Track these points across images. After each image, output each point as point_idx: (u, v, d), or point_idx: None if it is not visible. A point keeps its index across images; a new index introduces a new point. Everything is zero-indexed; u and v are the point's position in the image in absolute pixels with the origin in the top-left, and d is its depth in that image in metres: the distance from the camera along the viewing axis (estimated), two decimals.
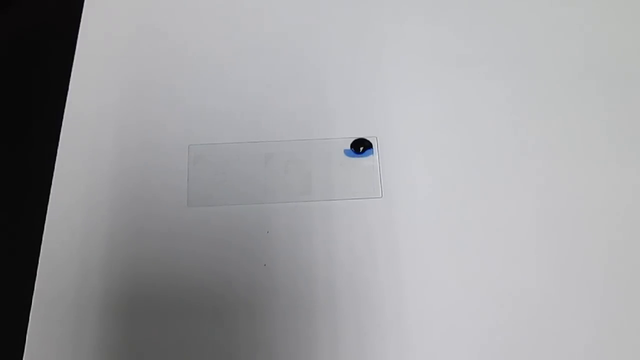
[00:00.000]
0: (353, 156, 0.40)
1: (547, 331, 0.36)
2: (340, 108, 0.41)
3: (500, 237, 0.38)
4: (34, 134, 0.43)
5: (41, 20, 0.48)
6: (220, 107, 0.41)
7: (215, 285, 0.37)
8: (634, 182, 0.39)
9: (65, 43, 0.43)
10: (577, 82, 0.42)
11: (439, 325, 0.36)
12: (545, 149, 0.40)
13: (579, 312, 0.36)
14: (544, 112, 0.41)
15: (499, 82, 0.42)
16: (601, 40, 0.44)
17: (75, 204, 0.38)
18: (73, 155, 0.40)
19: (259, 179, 0.39)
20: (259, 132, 0.41)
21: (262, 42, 0.43)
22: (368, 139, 0.40)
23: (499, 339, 0.36)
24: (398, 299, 0.36)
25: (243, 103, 0.41)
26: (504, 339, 0.36)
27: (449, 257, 0.37)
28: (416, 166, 0.40)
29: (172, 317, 0.36)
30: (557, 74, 0.42)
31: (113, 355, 0.35)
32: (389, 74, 0.42)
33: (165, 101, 0.41)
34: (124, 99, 0.41)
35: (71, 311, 0.36)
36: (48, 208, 0.38)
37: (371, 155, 0.40)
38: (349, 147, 0.40)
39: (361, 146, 0.40)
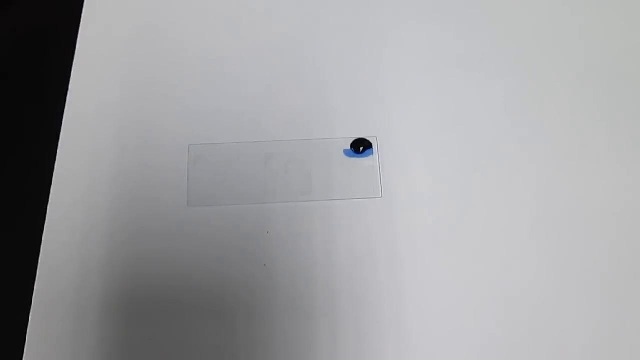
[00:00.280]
0: (353, 156, 0.40)
1: (546, 331, 0.36)
2: (340, 108, 0.41)
3: (499, 237, 0.38)
4: (34, 134, 0.43)
5: (41, 20, 0.48)
6: (220, 107, 0.41)
7: (215, 286, 0.37)
8: (633, 182, 0.39)
9: (65, 43, 0.43)
10: (577, 82, 0.42)
11: (439, 325, 0.36)
12: (545, 149, 0.40)
13: (578, 312, 0.36)
14: (544, 113, 0.41)
15: (499, 83, 0.42)
16: (601, 40, 0.44)
17: (75, 203, 0.38)
18: (73, 155, 0.40)
19: (259, 179, 0.39)
20: (259, 132, 0.41)
21: (263, 42, 0.43)
22: (368, 139, 0.40)
23: (498, 339, 0.36)
24: (398, 299, 0.36)
25: (243, 103, 0.41)
26: (504, 339, 0.36)
27: (448, 257, 0.37)
28: (416, 166, 0.40)
29: (172, 317, 0.36)
30: (556, 74, 0.42)
31: (113, 355, 0.35)
32: (389, 74, 0.42)
33: (165, 101, 0.41)
34: (124, 98, 0.41)
35: (71, 311, 0.36)
36: (48, 208, 0.38)
37: (371, 155, 0.40)
38: (349, 147, 0.40)
39: (361, 146, 0.40)
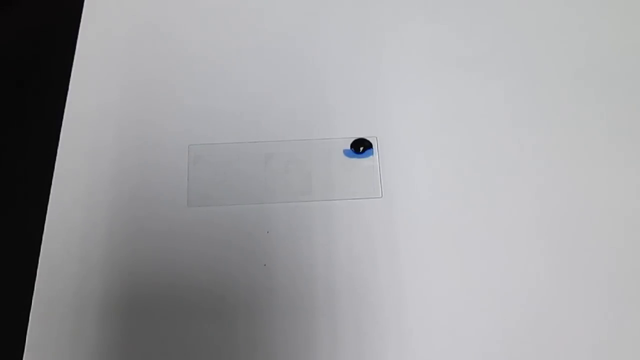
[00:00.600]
0: (353, 156, 0.40)
1: (547, 331, 0.36)
2: (340, 108, 0.41)
3: (500, 237, 0.38)
4: (34, 134, 0.43)
5: (41, 20, 0.48)
6: (220, 107, 0.41)
7: (215, 285, 0.37)
8: (634, 182, 0.39)
9: (65, 43, 0.43)
10: (577, 82, 0.42)
11: (439, 325, 0.36)
12: (545, 149, 0.40)
13: (579, 312, 0.36)
14: (544, 112, 0.41)
15: (499, 82, 0.42)
16: (601, 40, 0.44)
17: (75, 203, 0.38)
18: (73, 155, 0.40)
19: (259, 179, 0.39)
20: (259, 132, 0.41)
21: (263, 42, 0.43)
22: (368, 139, 0.40)
23: (498, 339, 0.36)
24: (398, 299, 0.36)
25: (243, 103, 0.41)
26: (504, 339, 0.36)
27: (448, 257, 0.37)
28: (416, 166, 0.40)
29: (172, 317, 0.36)
30: (556, 74, 0.42)
31: (113, 355, 0.35)
32: (389, 74, 0.42)
33: (165, 101, 0.41)
34: (124, 99, 0.41)
35: (71, 311, 0.36)
36: (48, 208, 0.38)
37: (371, 156, 0.40)
38: (349, 147, 0.40)
39: (361, 146, 0.40)
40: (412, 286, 0.37)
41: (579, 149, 0.40)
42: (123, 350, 0.35)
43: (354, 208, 0.38)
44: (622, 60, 0.43)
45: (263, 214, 0.38)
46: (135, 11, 0.45)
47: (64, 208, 0.38)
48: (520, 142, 0.40)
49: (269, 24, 0.44)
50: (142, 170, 0.39)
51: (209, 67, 0.42)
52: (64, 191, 0.39)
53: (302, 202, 0.39)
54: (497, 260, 0.37)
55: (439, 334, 0.36)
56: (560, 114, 0.41)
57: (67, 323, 0.36)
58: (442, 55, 0.43)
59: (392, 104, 0.41)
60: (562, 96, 0.42)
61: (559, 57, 0.43)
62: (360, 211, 0.38)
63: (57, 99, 0.41)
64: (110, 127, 0.41)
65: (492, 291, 0.36)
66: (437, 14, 0.44)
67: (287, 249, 0.37)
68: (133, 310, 0.36)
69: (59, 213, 0.38)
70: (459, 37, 0.44)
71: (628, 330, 0.36)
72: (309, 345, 0.35)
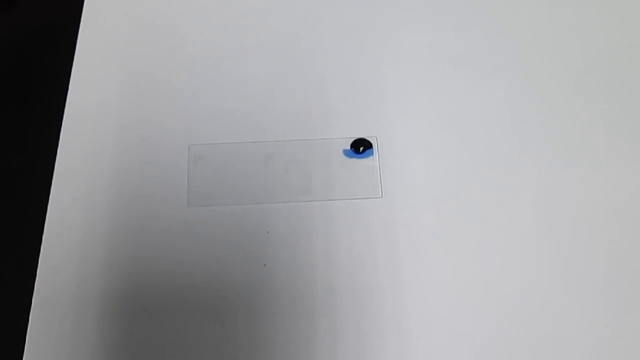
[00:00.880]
0: (353, 156, 0.40)
1: (547, 330, 0.36)
2: (340, 108, 0.41)
3: (500, 237, 0.38)
4: (34, 133, 0.43)
5: (42, 20, 0.48)
6: (220, 106, 0.41)
7: (215, 285, 0.37)
8: (633, 182, 0.39)
9: (65, 42, 0.43)
10: (577, 82, 0.42)
11: (439, 325, 0.36)
12: (545, 149, 0.40)
13: (578, 311, 0.36)
14: (544, 113, 0.41)
15: (499, 83, 0.42)
16: (600, 40, 0.44)
17: (75, 203, 0.38)
18: (73, 154, 0.40)
19: (259, 179, 0.39)
20: (259, 132, 0.41)
21: (263, 42, 0.43)
22: (368, 139, 0.40)
23: (499, 339, 0.36)
24: (398, 299, 0.36)
25: (243, 103, 0.41)
26: (504, 339, 0.36)
27: (449, 257, 0.37)
28: (416, 166, 0.40)
29: (172, 316, 0.36)
30: (556, 74, 0.42)
31: (113, 354, 0.35)
32: (389, 74, 0.42)
33: (165, 101, 0.41)
34: (124, 98, 0.41)
35: (71, 311, 0.36)
36: (48, 208, 0.38)
37: (371, 156, 0.40)
38: (349, 147, 0.40)
39: (361, 146, 0.40)
40: (412, 286, 0.37)
41: (578, 148, 0.40)
42: (123, 350, 0.35)
43: (354, 208, 0.38)
44: (620, 60, 0.43)
45: (263, 214, 0.38)
46: (135, 11, 0.45)
47: (64, 208, 0.38)
48: (520, 142, 0.40)
49: (269, 24, 0.44)
50: (142, 170, 0.39)
51: (209, 66, 0.42)
52: (64, 191, 0.39)
53: (302, 202, 0.39)
54: (497, 260, 0.37)
55: (439, 334, 0.36)
56: (560, 114, 0.41)
57: (67, 323, 0.36)
58: (442, 55, 0.43)
59: (392, 104, 0.41)
60: (562, 96, 0.42)
61: (559, 57, 0.43)
62: (360, 211, 0.38)
63: (57, 98, 0.41)
64: (110, 127, 0.41)
65: (492, 291, 0.36)
66: (437, 15, 0.44)
67: (287, 249, 0.37)
68: (133, 310, 0.36)
69: (59, 213, 0.38)
70: (459, 37, 0.44)
71: (626, 329, 0.36)
72: (309, 345, 0.35)
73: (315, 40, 0.43)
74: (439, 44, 0.43)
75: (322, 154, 0.40)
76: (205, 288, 0.36)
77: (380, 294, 0.36)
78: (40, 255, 0.37)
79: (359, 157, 0.40)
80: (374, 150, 0.40)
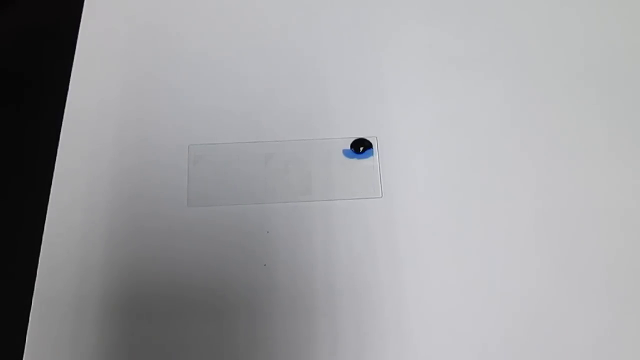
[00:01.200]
0: (353, 156, 0.40)
1: (547, 330, 0.36)
2: (340, 108, 0.41)
3: (500, 237, 0.38)
4: (34, 133, 0.43)
5: (41, 20, 0.48)
6: (220, 106, 0.41)
7: (215, 285, 0.37)
8: (634, 182, 0.39)
9: (65, 42, 0.43)
10: (577, 82, 0.42)
11: (439, 325, 0.36)
12: (545, 149, 0.40)
13: (579, 311, 0.36)
14: (544, 113, 0.41)
15: (499, 83, 0.42)
16: (600, 40, 0.44)
17: (75, 203, 0.38)
18: (73, 154, 0.40)
19: (259, 179, 0.39)
20: (259, 132, 0.41)
21: (263, 42, 0.43)
22: (368, 139, 0.40)
23: (499, 339, 0.36)
24: (398, 299, 0.36)
25: (243, 103, 0.41)
26: (505, 339, 0.36)
27: (449, 257, 0.37)
28: (416, 166, 0.40)
29: (172, 317, 0.36)
30: (556, 74, 0.42)
31: (113, 354, 0.35)
32: (389, 74, 0.42)
33: (165, 101, 0.41)
34: (124, 98, 0.41)
35: (71, 311, 0.36)
36: (48, 208, 0.38)
37: (371, 156, 0.40)
38: (348, 147, 0.40)
39: (361, 146, 0.40)
40: (412, 286, 0.37)
41: (578, 148, 0.40)
42: (123, 350, 0.35)
43: (354, 208, 0.38)
44: (620, 60, 0.43)
45: (263, 214, 0.38)
46: (135, 11, 0.45)
47: (64, 208, 0.38)
48: (520, 143, 0.40)
49: (269, 24, 0.44)
50: (142, 170, 0.39)
51: (209, 66, 0.42)
52: (64, 191, 0.39)
53: (302, 202, 0.39)
54: (497, 260, 0.37)
55: (439, 334, 0.36)
56: (560, 114, 0.41)
57: (67, 323, 0.36)
58: (442, 55, 0.43)
59: (392, 104, 0.41)
60: (561, 96, 0.42)
61: (559, 57, 0.43)
62: (360, 211, 0.38)
63: (57, 98, 0.41)
64: (110, 127, 0.41)
65: (492, 291, 0.36)
66: (438, 15, 0.44)
67: (287, 249, 0.37)
68: (133, 310, 0.36)
69: (59, 213, 0.38)
70: (459, 37, 0.44)
71: (626, 329, 0.36)
72: (309, 345, 0.35)
73: (315, 40, 0.44)
74: (439, 44, 0.43)
75: (322, 154, 0.40)
76: (205, 288, 0.36)
77: (380, 294, 0.36)
78: (40, 255, 0.37)
79: (359, 157, 0.40)
80: (374, 150, 0.40)
